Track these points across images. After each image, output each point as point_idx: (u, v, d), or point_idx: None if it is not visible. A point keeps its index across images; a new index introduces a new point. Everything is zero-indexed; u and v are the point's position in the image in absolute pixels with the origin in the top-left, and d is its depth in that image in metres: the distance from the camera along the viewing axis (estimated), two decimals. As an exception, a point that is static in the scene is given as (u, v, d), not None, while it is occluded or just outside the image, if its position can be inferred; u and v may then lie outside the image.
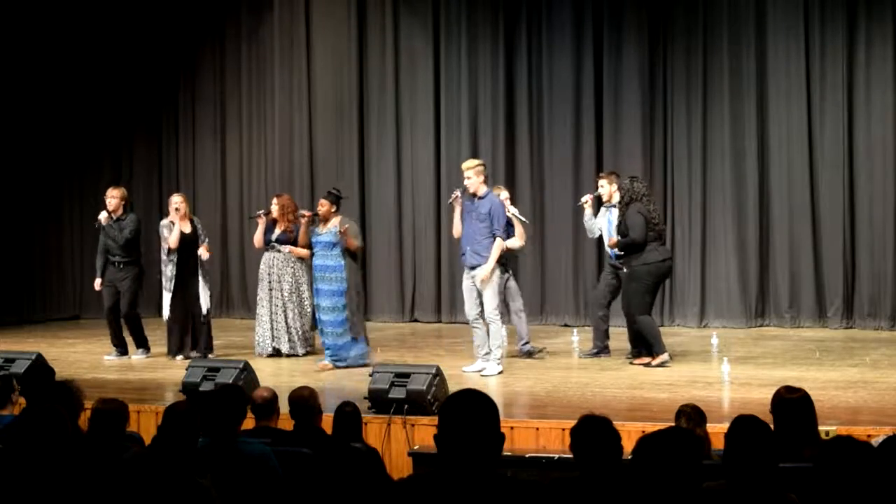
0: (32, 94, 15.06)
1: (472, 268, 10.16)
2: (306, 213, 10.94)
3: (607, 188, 11.00)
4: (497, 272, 10.18)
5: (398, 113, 14.82)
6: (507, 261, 10.95)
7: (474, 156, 14.09)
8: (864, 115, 13.21)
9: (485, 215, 10.08)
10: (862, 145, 13.22)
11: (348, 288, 10.51)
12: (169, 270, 11.25)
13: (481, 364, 10.19)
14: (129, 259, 11.53)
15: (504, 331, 10.25)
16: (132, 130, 15.83)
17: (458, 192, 10.40)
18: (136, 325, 11.55)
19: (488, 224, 10.06)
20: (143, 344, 11.57)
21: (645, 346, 10.44)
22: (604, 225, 11.01)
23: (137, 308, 11.62)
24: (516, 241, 11.01)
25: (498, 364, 10.04)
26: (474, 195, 10.18)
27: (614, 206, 10.79)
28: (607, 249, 11.08)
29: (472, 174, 10.15)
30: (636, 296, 10.35)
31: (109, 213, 11.50)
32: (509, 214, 10.94)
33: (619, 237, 10.53)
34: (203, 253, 11.36)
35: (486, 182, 10.29)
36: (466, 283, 10.30)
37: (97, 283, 11.65)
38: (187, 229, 11.32)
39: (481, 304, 10.15)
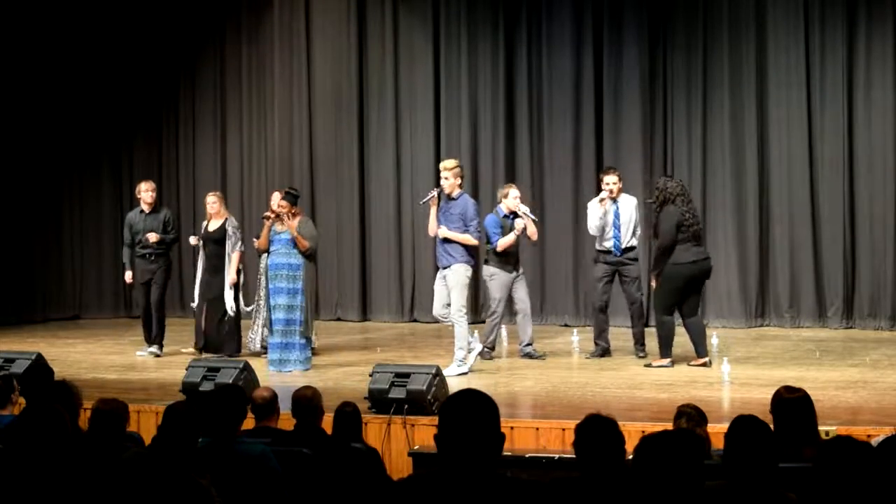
0: (32, 95, 15.06)
1: (445, 267, 10.19)
2: (270, 213, 10.89)
3: (619, 183, 10.96)
4: (467, 273, 10.15)
5: (398, 111, 14.83)
6: (514, 262, 10.94)
7: (474, 155, 14.13)
8: (864, 115, 13.21)
9: (456, 216, 10.11)
10: (862, 145, 13.22)
11: (305, 287, 10.49)
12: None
13: (471, 358, 10.19)
14: (161, 250, 11.64)
15: (467, 332, 10.17)
16: (132, 130, 15.84)
17: (434, 192, 10.41)
18: (162, 320, 11.64)
19: (460, 225, 10.08)
20: (158, 341, 11.60)
21: (698, 345, 10.37)
22: (610, 219, 10.95)
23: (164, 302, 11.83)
24: (510, 237, 10.87)
25: (459, 365, 10.00)
26: (449, 196, 10.21)
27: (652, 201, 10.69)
28: (608, 246, 11.00)
29: (451, 175, 10.18)
30: (661, 295, 10.30)
31: (143, 206, 11.75)
32: (520, 213, 10.94)
33: (655, 238, 10.53)
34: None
35: (461, 185, 10.30)
36: (438, 282, 10.33)
37: (128, 275, 11.74)
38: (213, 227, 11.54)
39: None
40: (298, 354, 10.44)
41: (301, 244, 10.43)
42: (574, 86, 14.14)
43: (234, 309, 11.31)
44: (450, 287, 10.14)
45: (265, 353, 10.98)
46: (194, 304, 11.60)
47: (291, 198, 10.64)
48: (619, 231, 10.91)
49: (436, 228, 10.29)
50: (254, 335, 11.53)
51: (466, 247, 10.16)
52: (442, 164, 10.48)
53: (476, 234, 10.19)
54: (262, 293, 11.19)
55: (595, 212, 10.99)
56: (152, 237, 11.54)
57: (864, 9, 13.19)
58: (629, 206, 10.96)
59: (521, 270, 11.11)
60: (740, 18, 13.56)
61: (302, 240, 10.43)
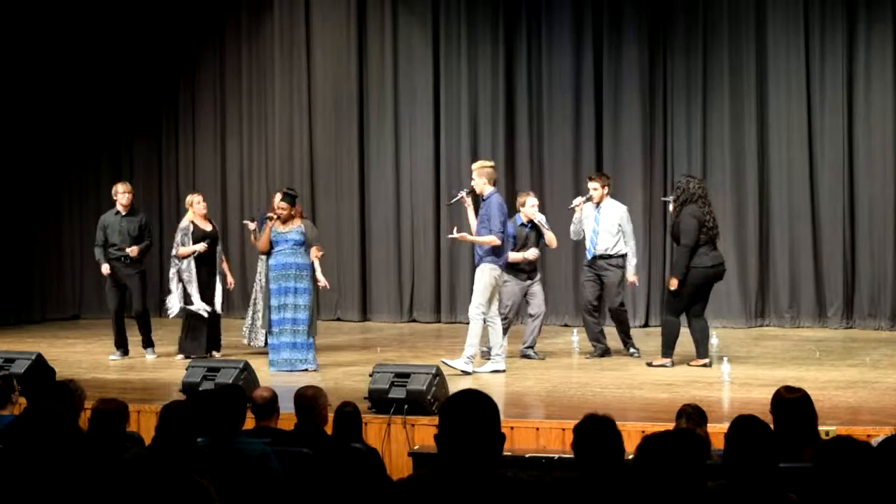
0: (32, 94, 15.06)
1: (476, 266, 10.21)
2: (272, 214, 10.87)
3: (599, 190, 10.99)
4: (493, 273, 10.11)
5: (398, 113, 14.83)
6: (529, 270, 10.95)
7: (474, 156, 14.12)
8: (864, 115, 13.22)
9: (483, 216, 10.11)
10: (862, 145, 13.23)
11: (314, 287, 10.56)
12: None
13: (492, 365, 10.17)
14: (138, 257, 11.55)
15: (480, 331, 10.15)
16: (132, 130, 15.84)
17: (462, 193, 10.39)
18: (147, 322, 11.58)
19: (486, 225, 10.07)
20: (151, 343, 11.57)
21: (700, 346, 10.38)
22: (590, 225, 10.98)
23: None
24: (533, 252, 10.93)
25: (466, 362, 9.99)
26: (481, 196, 10.20)
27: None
28: (586, 252, 11.04)
29: (476, 176, 10.17)
30: (673, 296, 10.26)
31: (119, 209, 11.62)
32: (536, 221, 10.95)
33: (672, 238, 10.49)
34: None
35: (493, 183, 10.24)
36: None
37: (105, 267, 11.49)
38: (209, 227, 11.48)
39: (497, 302, 10.20)
40: (307, 354, 10.47)
41: (315, 254, 10.59)
42: (574, 87, 14.14)
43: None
44: (474, 286, 10.15)
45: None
46: (208, 309, 11.28)
47: (290, 198, 10.66)
48: (597, 236, 10.91)
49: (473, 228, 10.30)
50: (253, 333, 11.52)
51: (492, 247, 10.10)
52: (473, 165, 10.49)
53: (499, 234, 10.01)
54: (262, 294, 11.16)
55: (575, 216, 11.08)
56: (133, 252, 11.38)
57: (864, 10, 13.19)
58: (614, 213, 10.94)
59: (537, 277, 11.11)
60: (740, 19, 13.57)
61: (316, 250, 10.61)
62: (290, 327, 10.46)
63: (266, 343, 11.07)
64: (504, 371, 10.11)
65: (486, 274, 10.09)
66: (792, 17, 13.40)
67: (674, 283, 10.21)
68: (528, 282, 11.00)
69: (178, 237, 11.33)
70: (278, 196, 11.36)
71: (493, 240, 9.99)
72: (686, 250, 10.14)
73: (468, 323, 10.28)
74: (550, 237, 11.08)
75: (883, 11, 13.13)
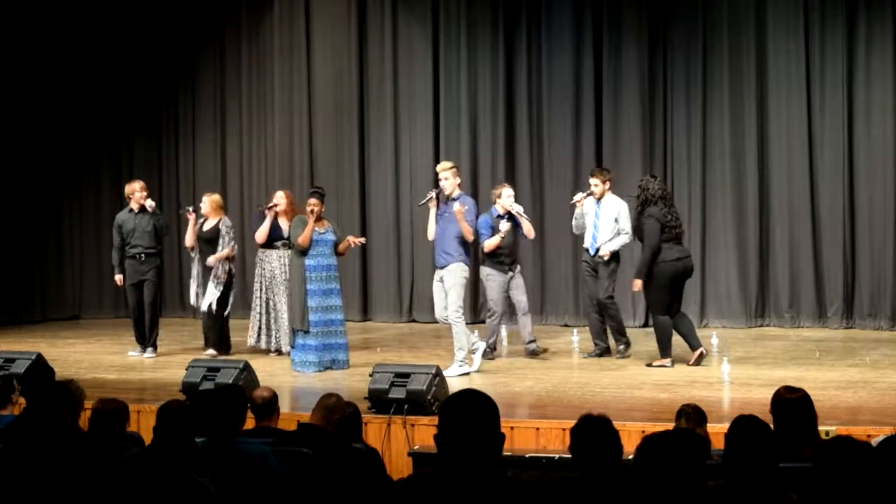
0: (32, 94, 15.06)
1: (442, 267, 10.23)
2: (313, 210, 10.91)
3: (601, 186, 11.01)
4: (464, 273, 10.14)
5: (398, 113, 14.83)
6: (510, 262, 10.95)
7: (474, 156, 14.14)
8: (864, 115, 13.22)
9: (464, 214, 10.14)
10: (862, 145, 13.22)
11: (342, 287, 10.66)
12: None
13: (457, 369, 10.08)
14: (154, 251, 11.63)
15: (467, 330, 10.18)
16: (132, 130, 15.85)
17: (432, 194, 10.42)
18: (156, 320, 11.66)
19: (472, 222, 10.10)
20: (153, 342, 11.59)
21: (689, 339, 10.42)
22: (590, 220, 10.99)
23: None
24: (495, 240, 10.91)
25: (460, 365, 9.99)
26: (449, 197, 10.22)
27: (634, 200, 10.81)
28: (586, 245, 11.04)
29: (450, 175, 10.20)
30: (654, 295, 10.34)
31: (132, 207, 11.66)
32: (514, 212, 10.96)
33: (638, 239, 10.56)
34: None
35: (459, 185, 10.30)
36: (436, 285, 10.36)
37: (119, 278, 11.65)
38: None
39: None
40: (346, 353, 10.59)
41: (345, 250, 10.64)
42: (574, 87, 14.14)
43: (215, 306, 11.29)
44: (447, 287, 10.15)
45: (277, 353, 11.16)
46: (204, 307, 11.42)
47: (320, 196, 10.70)
48: (598, 231, 10.93)
49: (434, 231, 10.33)
50: (276, 334, 11.49)
51: (464, 246, 10.15)
52: (439, 167, 10.53)
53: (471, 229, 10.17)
54: (297, 292, 11.02)
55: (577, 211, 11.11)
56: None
57: (864, 10, 13.19)
58: (612, 208, 10.95)
59: (517, 269, 11.11)
60: (740, 19, 13.57)
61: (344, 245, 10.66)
62: (334, 328, 10.50)
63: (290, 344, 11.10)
64: (469, 374, 10.04)
65: (459, 274, 10.16)
66: (792, 17, 13.40)
67: (637, 285, 10.36)
68: (510, 274, 10.99)
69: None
70: (280, 194, 11.41)
71: (469, 232, 10.12)
72: (649, 252, 10.27)
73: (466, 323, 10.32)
74: (528, 228, 11.08)
75: (883, 11, 13.13)
